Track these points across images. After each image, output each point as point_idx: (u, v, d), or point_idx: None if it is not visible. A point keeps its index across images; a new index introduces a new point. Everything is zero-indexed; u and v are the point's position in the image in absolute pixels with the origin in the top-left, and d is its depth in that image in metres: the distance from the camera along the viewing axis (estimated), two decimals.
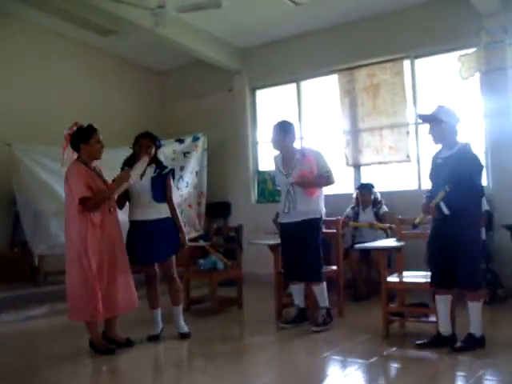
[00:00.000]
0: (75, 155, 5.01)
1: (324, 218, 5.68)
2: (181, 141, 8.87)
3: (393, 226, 6.91)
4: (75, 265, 4.80)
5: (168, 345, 5.35)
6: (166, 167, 5.43)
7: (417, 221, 4.69)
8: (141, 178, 5.18)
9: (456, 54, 7.17)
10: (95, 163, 5.09)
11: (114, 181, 4.99)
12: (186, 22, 7.97)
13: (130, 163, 5.26)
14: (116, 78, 9.77)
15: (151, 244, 5.18)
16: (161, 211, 5.26)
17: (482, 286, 4.65)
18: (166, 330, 5.49)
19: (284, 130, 5.65)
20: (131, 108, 9.90)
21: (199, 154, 9.00)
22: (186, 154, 8.81)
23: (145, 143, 5.29)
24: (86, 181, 4.80)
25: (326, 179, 5.54)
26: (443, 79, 7.51)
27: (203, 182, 9.01)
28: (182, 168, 8.77)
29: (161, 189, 5.28)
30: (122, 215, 5.42)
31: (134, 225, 5.27)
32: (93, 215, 4.81)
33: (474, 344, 4.52)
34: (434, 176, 4.80)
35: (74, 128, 4.97)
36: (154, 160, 5.37)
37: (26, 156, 7.53)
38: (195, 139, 9.00)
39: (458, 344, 4.55)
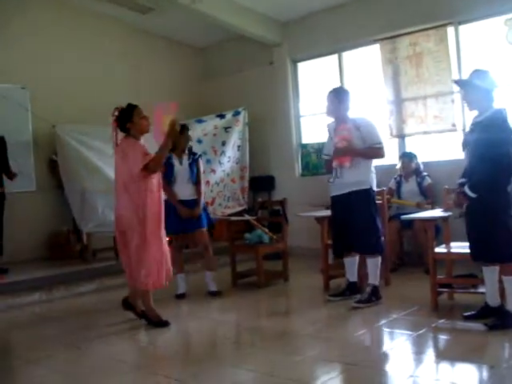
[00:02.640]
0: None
1: (374, 189, 5.52)
2: (222, 116, 8.88)
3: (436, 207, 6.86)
4: (136, 233, 4.87)
5: (215, 319, 5.43)
6: (195, 153, 6.39)
7: (457, 214, 4.69)
8: (181, 164, 6.13)
9: (502, 18, 6.97)
10: (143, 141, 5.10)
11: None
12: None
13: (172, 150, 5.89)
14: (156, 55, 9.81)
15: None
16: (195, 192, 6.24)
17: (508, 258, 4.33)
18: (209, 304, 5.55)
19: (338, 98, 5.49)
20: (172, 85, 9.91)
21: (240, 129, 9.01)
22: (227, 128, 8.83)
23: (183, 135, 6.09)
24: (141, 150, 4.89)
25: (376, 151, 5.39)
26: (489, 45, 7.29)
27: (246, 157, 9.04)
28: (223, 143, 8.80)
29: (195, 173, 6.21)
30: None
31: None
32: (150, 182, 4.89)
33: (509, 321, 4.34)
34: (464, 143, 4.65)
35: (116, 113, 5.02)
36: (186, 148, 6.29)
37: (69, 136, 7.67)
38: (236, 114, 9.00)
39: (491, 320, 4.41)
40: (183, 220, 6.04)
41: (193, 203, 6.14)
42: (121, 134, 5.06)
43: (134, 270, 4.97)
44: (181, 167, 6.14)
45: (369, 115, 5.84)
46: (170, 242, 5.62)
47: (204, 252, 6.28)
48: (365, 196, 5.37)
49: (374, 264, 5.44)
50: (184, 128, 6.14)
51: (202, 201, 6.28)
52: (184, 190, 6.14)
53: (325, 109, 5.64)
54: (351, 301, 5.47)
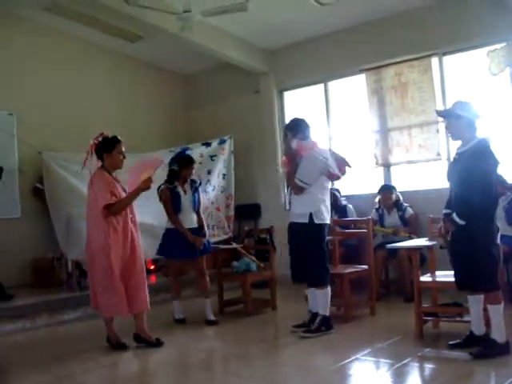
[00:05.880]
0: (99, 163, 5.22)
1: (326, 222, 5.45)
2: (207, 144, 8.89)
3: (414, 236, 6.85)
4: (98, 266, 5.07)
5: (200, 347, 5.39)
6: (195, 181, 6.50)
7: (443, 244, 4.72)
8: (185, 194, 6.24)
9: (485, 50, 7.09)
10: (116, 173, 5.29)
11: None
12: (212, 26, 8.01)
13: (172, 180, 6.24)
14: (142, 82, 9.85)
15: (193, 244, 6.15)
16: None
17: (492, 287, 4.35)
18: (196, 330, 5.50)
19: (293, 129, 5.46)
20: (158, 112, 9.99)
21: (226, 157, 9.01)
22: (212, 157, 8.83)
23: (192, 167, 6.34)
24: (110, 188, 5.03)
25: (293, 182, 5.36)
26: (473, 76, 7.41)
27: (231, 185, 9.02)
28: (209, 171, 8.79)
29: (197, 201, 6.36)
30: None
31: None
32: (115, 221, 5.03)
33: (494, 350, 4.33)
34: (448, 173, 4.69)
35: (100, 138, 5.19)
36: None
37: (55, 163, 7.64)
38: (222, 142, 9.01)
39: (477, 349, 4.40)
40: (187, 246, 6.10)
41: (197, 230, 6.27)
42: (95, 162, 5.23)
43: None
44: (186, 196, 6.25)
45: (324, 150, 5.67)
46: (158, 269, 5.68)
47: (200, 278, 6.33)
48: (306, 229, 5.35)
49: (321, 295, 5.43)
50: (190, 161, 6.38)
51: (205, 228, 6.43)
52: (190, 219, 6.25)
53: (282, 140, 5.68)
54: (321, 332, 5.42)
